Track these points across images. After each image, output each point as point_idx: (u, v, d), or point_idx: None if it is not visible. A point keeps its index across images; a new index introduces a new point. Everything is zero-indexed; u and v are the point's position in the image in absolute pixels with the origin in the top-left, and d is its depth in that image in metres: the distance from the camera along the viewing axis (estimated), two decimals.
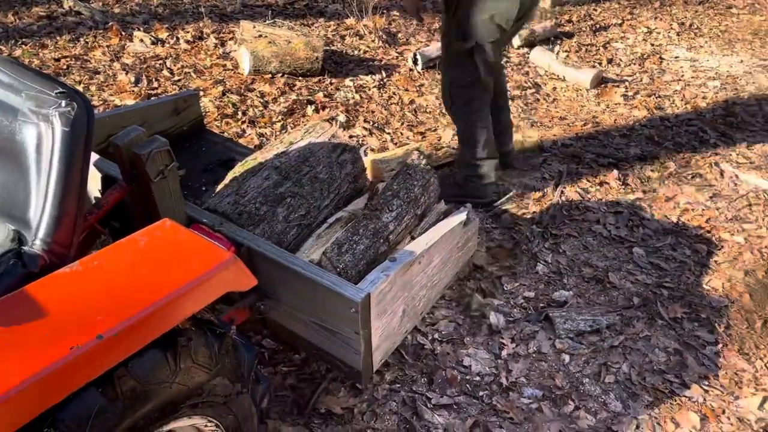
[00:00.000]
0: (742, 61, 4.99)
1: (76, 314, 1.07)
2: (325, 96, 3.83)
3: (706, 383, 2.14)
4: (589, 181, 3.24)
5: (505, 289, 2.52)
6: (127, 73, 3.79)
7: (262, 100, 3.68)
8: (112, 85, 3.68)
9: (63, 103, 1.27)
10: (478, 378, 2.12)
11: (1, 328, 1.01)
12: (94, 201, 1.68)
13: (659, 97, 4.25)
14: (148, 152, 1.52)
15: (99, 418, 1.07)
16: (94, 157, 1.92)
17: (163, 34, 4.34)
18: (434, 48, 4.40)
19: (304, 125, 2.20)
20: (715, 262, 2.72)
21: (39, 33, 4.18)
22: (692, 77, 4.61)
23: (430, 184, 1.98)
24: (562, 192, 3.11)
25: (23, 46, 3.99)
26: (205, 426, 1.36)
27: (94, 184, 1.89)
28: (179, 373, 1.21)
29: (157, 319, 1.12)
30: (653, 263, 2.70)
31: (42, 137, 1.27)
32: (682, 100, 4.23)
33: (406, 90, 4.03)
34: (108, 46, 4.12)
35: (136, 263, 1.21)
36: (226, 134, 3.23)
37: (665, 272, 2.65)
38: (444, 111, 3.54)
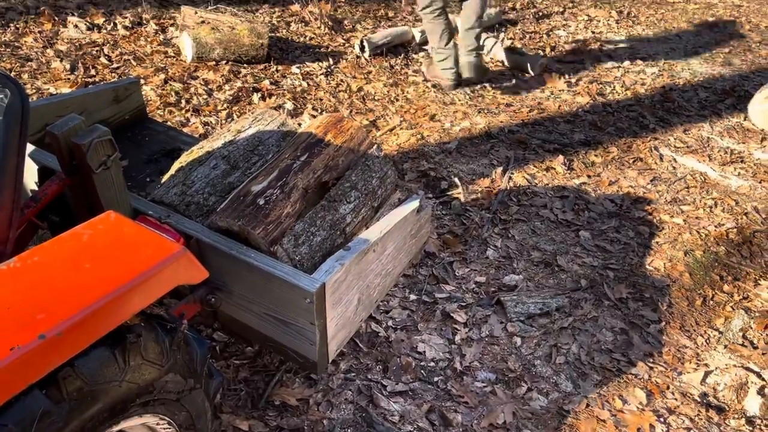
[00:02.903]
0: (677, 48, 5.16)
1: (16, 313, 1.01)
2: (271, 83, 3.76)
3: (651, 360, 2.22)
4: (536, 166, 3.29)
5: (457, 274, 2.54)
6: (61, 60, 3.62)
7: (206, 88, 3.59)
8: (45, 72, 3.51)
9: None
10: (432, 364, 2.14)
11: None
12: (30, 194, 1.59)
13: (601, 83, 4.36)
14: (88, 142, 1.45)
15: (44, 421, 1.02)
16: (29, 148, 1.83)
17: (100, 20, 4.17)
18: (381, 35, 4.38)
19: (252, 113, 2.15)
20: (657, 243, 2.81)
21: None
22: (631, 64, 4.74)
23: (387, 177, 1.97)
24: (510, 178, 3.15)
25: None
26: (157, 424, 1.32)
27: (30, 176, 1.79)
28: (128, 371, 1.16)
29: (104, 315, 1.07)
30: (599, 246, 2.77)
31: None
32: (622, 86, 4.35)
33: (354, 77, 4.00)
34: (40, 32, 3.92)
35: (79, 258, 1.15)
36: (169, 123, 3.14)
37: (610, 254, 2.72)
38: (392, 99, 3.62)
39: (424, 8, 3.82)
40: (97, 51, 3.81)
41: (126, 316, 1.12)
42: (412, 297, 2.40)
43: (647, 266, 2.67)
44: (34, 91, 3.32)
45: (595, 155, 3.46)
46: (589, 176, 3.26)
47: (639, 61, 4.81)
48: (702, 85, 4.51)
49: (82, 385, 1.07)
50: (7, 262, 1.12)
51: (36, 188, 1.75)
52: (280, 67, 3.96)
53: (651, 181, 3.28)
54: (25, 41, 3.80)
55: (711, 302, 2.49)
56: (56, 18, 4.07)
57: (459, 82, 4.00)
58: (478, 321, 2.32)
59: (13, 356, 0.93)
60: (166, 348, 1.24)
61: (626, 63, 4.75)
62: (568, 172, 3.28)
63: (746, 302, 2.49)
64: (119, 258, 1.16)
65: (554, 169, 3.29)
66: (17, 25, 3.96)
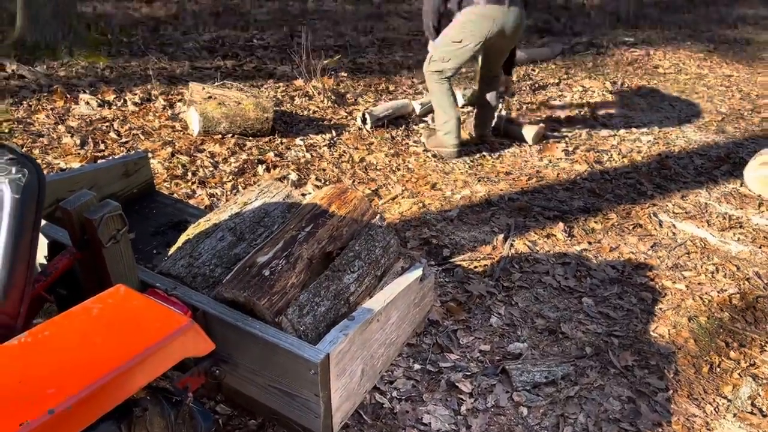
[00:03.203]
0: (670, 116, 5.30)
1: (26, 388, 1.03)
2: (275, 155, 3.85)
3: (660, 430, 2.18)
4: (536, 233, 3.33)
5: (461, 343, 2.54)
6: (72, 136, 3.74)
7: (212, 161, 3.68)
8: (56, 148, 3.62)
9: (14, 170, 1.25)
10: None
11: None
12: (40, 268, 1.62)
13: (598, 152, 4.46)
14: (100, 217, 1.49)
15: None
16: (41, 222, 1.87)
17: (110, 97, 4.32)
18: (382, 108, 4.52)
19: (258, 185, 2.21)
20: (660, 309, 2.81)
21: None
22: (627, 132, 4.86)
23: (390, 246, 2.00)
24: (511, 245, 3.19)
25: None
26: None
27: (40, 250, 1.83)
28: None
29: (112, 390, 1.08)
30: (602, 312, 2.77)
31: None
32: (619, 154, 4.44)
33: (356, 148, 4.11)
34: (52, 109, 4.07)
35: (89, 332, 1.17)
36: (176, 195, 3.20)
37: (614, 321, 2.72)
38: (394, 169, 3.73)
39: (435, 71, 3.97)
40: (107, 126, 3.93)
41: (134, 390, 1.14)
42: (417, 366, 2.38)
43: (652, 333, 2.66)
44: (45, 165, 3.41)
45: (595, 222, 3.51)
46: (589, 243, 3.30)
47: (634, 130, 4.93)
48: (697, 152, 4.60)
49: None
50: (19, 337, 1.14)
51: (45, 262, 1.78)
52: (284, 140, 4.07)
53: (651, 247, 3.31)
54: (38, 118, 3.93)
55: (718, 369, 2.47)
56: (68, 95, 4.23)
57: (461, 152, 4.11)
58: (483, 390, 2.30)
59: (23, 431, 0.94)
60: (171, 422, 1.25)
61: (622, 131, 4.87)
62: (569, 238, 3.31)
63: (753, 369, 2.47)
64: (128, 332, 1.19)
65: (555, 236, 3.33)
66: (30, 103, 4.11)
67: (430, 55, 4.00)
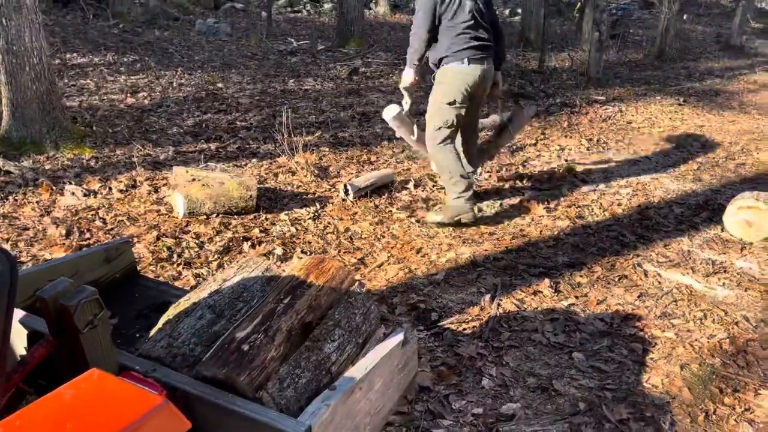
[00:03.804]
0: (647, 168, 5.42)
1: None
2: (260, 231, 3.89)
3: None
4: (523, 291, 3.34)
5: (454, 408, 2.50)
6: (57, 227, 3.77)
7: (197, 241, 3.71)
8: (42, 239, 3.64)
9: None
10: None
11: None
12: (19, 359, 1.62)
13: (579, 207, 4.53)
14: (75, 303, 1.51)
15: None
16: (20, 313, 1.88)
17: (96, 186, 4.39)
18: (364, 178, 4.61)
19: (237, 261, 2.23)
20: (652, 359, 2.79)
21: None
22: (606, 186, 4.95)
23: (371, 312, 2.01)
24: (499, 304, 3.19)
25: None
26: None
27: (20, 342, 1.83)
28: None
29: None
30: (594, 366, 2.75)
31: None
32: (600, 208, 4.51)
33: (341, 219, 4.16)
34: (38, 202, 4.12)
35: (62, 418, 1.17)
36: (161, 278, 3.21)
37: (606, 374, 2.69)
38: (378, 236, 3.77)
39: (438, 143, 4.06)
40: (92, 215, 3.98)
41: None
42: None
43: (645, 384, 2.63)
44: (30, 258, 3.43)
45: (581, 276, 3.52)
46: (576, 297, 3.30)
47: (613, 183, 5.03)
48: (676, 202, 4.69)
49: None
50: None
51: (25, 353, 1.77)
52: (269, 216, 4.12)
53: (638, 297, 3.31)
54: (24, 211, 3.98)
55: (714, 416, 2.44)
56: (54, 187, 4.29)
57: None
58: None
59: None
60: None
61: (601, 185, 4.96)
62: (556, 294, 3.32)
63: (749, 414, 2.44)
64: (101, 415, 1.18)
65: (542, 292, 3.34)
66: (16, 197, 4.16)
67: (431, 130, 4.07)
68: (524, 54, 10.76)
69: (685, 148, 6.09)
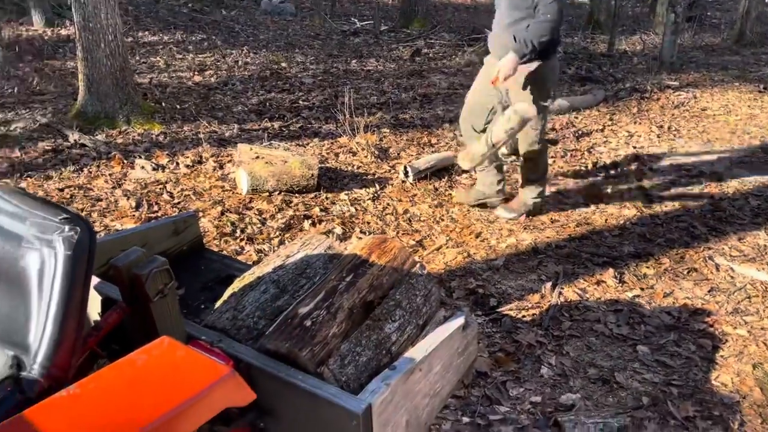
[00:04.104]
0: (722, 158, 5.17)
1: None
2: (321, 210, 3.93)
3: None
4: (586, 280, 3.26)
5: (511, 395, 2.47)
6: (128, 199, 3.91)
7: (259, 218, 3.77)
8: (113, 210, 3.78)
9: (66, 228, 1.31)
10: None
11: None
12: (93, 324, 1.68)
13: (647, 195, 4.36)
14: (147, 272, 1.55)
15: None
16: (94, 280, 1.95)
17: (164, 161, 4.52)
18: (424, 161, 4.57)
19: (300, 238, 2.26)
20: (722, 356, 2.68)
21: (44, 166, 4.35)
22: (677, 176, 4.76)
23: (432, 294, 2.00)
24: (560, 293, 3.12)
25: (28, 178, 4.14)
26: None
27: (94, 307, 1.90)
28: None
29: None
30: (659, 360, 2.66)
31: (44, 262, 1.31)
32: (669, 197, 4.34)
33: (400, 201, 4.15)
34: (110, 175, 4.27)
35: (134, 383, 1.20)
36: (225, 252, 3.29)
37: (672, 369, 2.60)
38: (437, 219, 3.75)
39: (542, 140, 3.82)
40: (160, 188, 4.10)
41: None
42: (466, 419, 2.32)
43: (713, 381, 2.53)
44: (102, 228, 3.57)
45: (647, 267, 3.40)
46: (642, 289, 3.19)
47: (684, 172, 4.82)
48: (753, 193, 4.45)
49: None
50: (67, 389, 1.18)
51: (99, 319, 1.85)
52: (329, 195, 4.15)
53: (708, 291, 3.18)
54: (97, 183, 4.14)
55: None
56: (125, 161, 4.45)
57: None
58: None
59: None
60: None
61: (671, 174, 4.77)
62: (620, 285, 3.22)
63: None
64: (171, 381, 1.21)
65: (605, 282, 3.24)
66: (90, 170, 4.33)
67: (534, 133, 3.67)
68: (593, 37, 10.41)
69: (764, 137, 5.77)
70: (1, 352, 1.33)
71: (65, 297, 1.28)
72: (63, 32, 8.50)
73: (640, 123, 6.02)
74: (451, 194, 4.28)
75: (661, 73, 7.91)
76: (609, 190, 4.42)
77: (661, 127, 5.92)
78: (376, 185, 4.33)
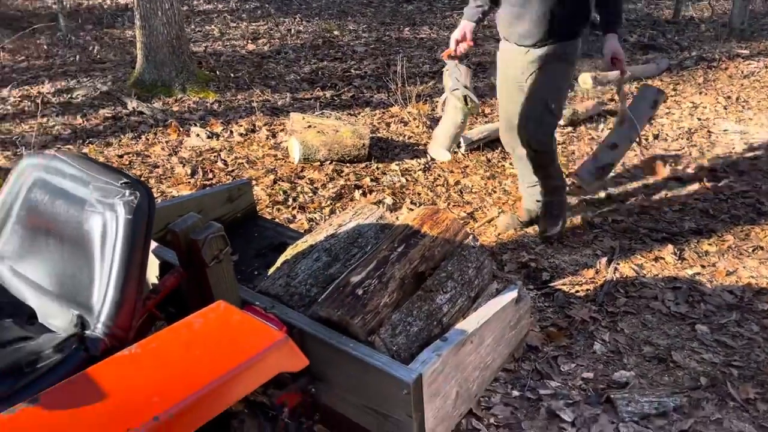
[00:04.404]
0: None
1: (134, 396, 1.09)
2: (371, 180, 3.92)
3: None
4: (643, 256, 3.16)
5: (562, 370, 2.43)
6: (183, 166, 3.99)
7: (311, 187, 3.79)
8: (170, 177, 3.87)
9: (127, 193, 1.34)
10: None
11: (63, 411, 1.03)
12: (152, 287, 1.73)
13: (711, 170, 4.18)
14: (204, 238, 1.57)
15: None
16: (152, 244, 2.00)
17: (218, 129, 4.58)
18: (477, 131, 4.49)
19: (352, 207, 2.25)
20: None
21: (104, 133, 4.48)
22: (744, 149, 4.53)
23: (484, 267, 1.97)
24: (615, 268, 3.04)
25: (90, 145, 4.27)
26: None
27: (152, 271, 1.95)
28: None
29: (212, 400, 1.13)
30: (719, 341, 2.57)
31: (107, 225, 1.34)
32: (735, 172, 4.14)
33: (452, 172, 4.10)
34: (167, 142, 4.36)
35: (191, 345, 1.23)
36: (277, 220, 3.32)
37: (733, 350, 2.51)
38: (489, 191, 3.69)
39: (551, 135, 3.09)
40: (214, 156, 4.17)
41: (232, 401, 1.17)
42: (515, 393, 2.31)
43: None
44: (159, 194, 3.66)
45: (709, 244, 3.27)
46: (703, 266, 3.08)
47: (753, 146, 4.59)
48: None
49: None
50: (129, 348, 1.21)
51: (157, 282, 1.90)
52: (380, 165, 4.13)
53: None
54: (154, 150, 4.23)
55: None
56: (181, 129, 4.53)
57: None
58: (586, 420, 2.18)
59: None
60: None
61: (738, 147, 4.55)
62: (679, 262, 3.11)
63: None
64: (227, 345, 1.23)
65: (664, 259, 3.14)
66: (147, 137, 4.44)
67: (546, 113, 2.92)
68: (657, 2, 9.95)
69: None
70: (65, 311, 1.38)
71: (126, 260, 1.31)
72: (122, 1, 8.67)
73: (705, 94, 5.75)
74: (503, 165, 4.20)
75: (731, 40, 7.51)
76: (670, 164, 4.25)
77: (729, 98, 5.64)
78: (428, 156, 4.28)
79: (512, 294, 1.86)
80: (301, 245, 2.01)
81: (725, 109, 5.38)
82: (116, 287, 1.31)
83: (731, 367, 2.41)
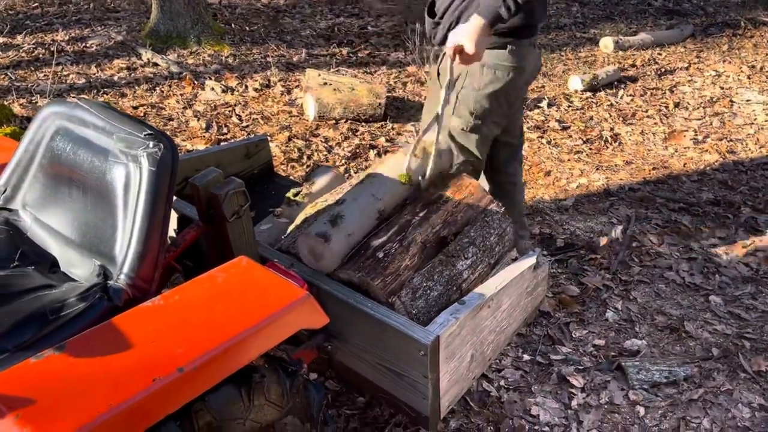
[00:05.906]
0: None
1: (158, 347, 1.10)
2: (387, 141, 3.88)
3: None
4: (659, 225, 3.14)
5: (574, 336, 2.44)
6: (198, 120, 3.96)
7: (326, 145, 3.77)
8: (184, 130, 3.85)
9: (151, 144, 1.33)
10: (546, 429, 2.05)
11: (90, 359, 1.04)
12: (170, 240, 1.73)
13: (731, 140, 4.12)
14: (224, 193, 1.57)
15: None
16: None
17: (233, 83, 4.53)
18: None
19: (368, 169, 2.23)
20: None
21: (119, 83, 4.44)
22: (766, 120, 4.45)
23: (506, 234, 1.95)
24: (631, 237, 3.02)
25: (105, 95, 4.24)
26: None
27: (170, 224, 1.95)
28: (252, 410, 1.21)
29: (234, 353, 1.13)
30: (732, 312, 2.56)
31: (130, 176, 1.33)
32: (756, 143, 4.08)
33: None
34: (182, 95, 4.33)
35: (214, 299, 1.24)
36: (292, 177, 3.31)
37: (746, 322, 2.51)
38: None
39: None
40: (229, 111, 4.13)
41: (253, 356, 1.18)
42: (526, 357, 2.32)
43: None
44: None
45: (726, 215, 3.24)
46: (719, 238, 3.06)
47: None
48: None
49: (212, 420, 1.13)
50: (152, 300, 1.22)
51: (175, 235, 1.90)
52: (395, 125, 4.09)
53: None
54: (168, 103, 4.20)
55: None
56: (196, 82, 4.48)
57: None
58: (596, 386, 2.20)
59: (156, 386, 1.00)
60: (287, 390, 1.29)
61: (760, 119, 4.47)
62: (696, 232, 3.09)
63: None
64: (249, 300, 1.24)
65: (680, 229, 3.12)
66: (162, 89, 4.39)
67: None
68: None
69: None
70: (88, 261, 1.39)
71: (149, 211, 1.31)
72: None
73: (729, 62, 5.62)
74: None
75: (757, 8, 7.30)
76: (690, 133, 4.18)
77: (753, 67, 5.51)
78: None
79: (531, 260, 1.85)
80: (320, 204, 2.00)
81: (749, 78, 5.26)
82: (139, 239, 1.31)
83: (744, 339, 2.42)
